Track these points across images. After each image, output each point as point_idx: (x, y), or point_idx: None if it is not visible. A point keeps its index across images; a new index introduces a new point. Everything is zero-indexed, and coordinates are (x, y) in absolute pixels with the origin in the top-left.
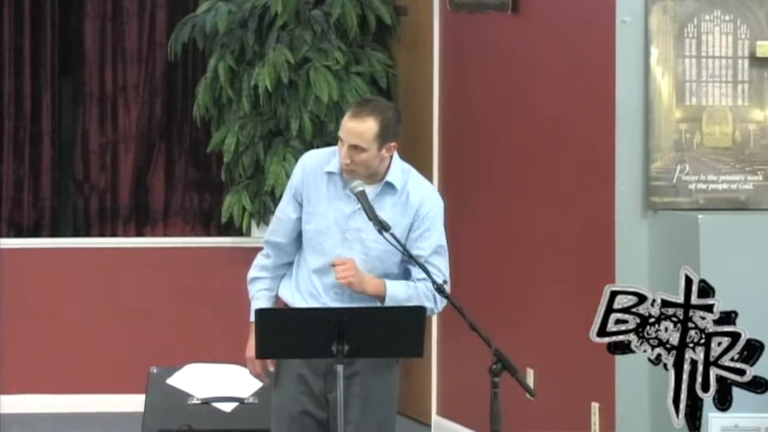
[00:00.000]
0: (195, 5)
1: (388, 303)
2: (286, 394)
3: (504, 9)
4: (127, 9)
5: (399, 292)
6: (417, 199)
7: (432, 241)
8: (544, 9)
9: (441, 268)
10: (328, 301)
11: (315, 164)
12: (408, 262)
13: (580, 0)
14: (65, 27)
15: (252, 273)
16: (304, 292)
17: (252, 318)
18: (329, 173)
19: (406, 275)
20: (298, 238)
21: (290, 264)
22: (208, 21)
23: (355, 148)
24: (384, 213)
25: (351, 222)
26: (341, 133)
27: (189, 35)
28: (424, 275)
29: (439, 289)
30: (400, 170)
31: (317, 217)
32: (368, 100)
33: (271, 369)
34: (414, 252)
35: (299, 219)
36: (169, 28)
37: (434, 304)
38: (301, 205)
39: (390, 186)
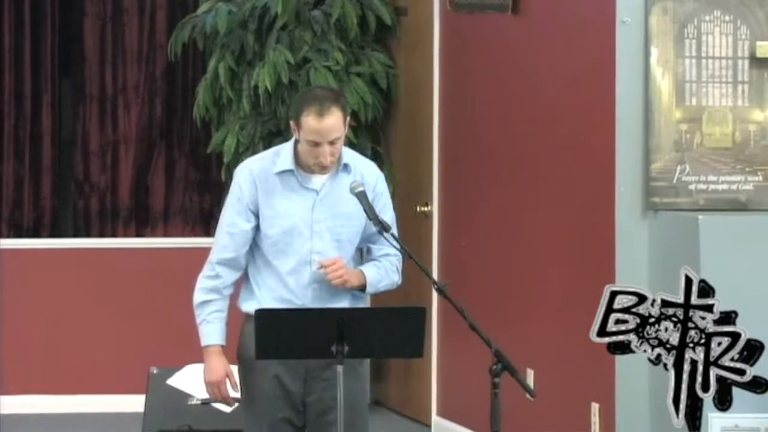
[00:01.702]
0: (195, 6)
1: (369, 289)
2: (262, 400)
3: (504, 9)
4: (127, 9)
5: (374, 275)
6: (372, 176)
7: (389, 214)
8: (544, 9)
9: (396, 237)
10: (306, 301)
11: (262, 168)
12: (368, 240)
13: (580, 0)
14: (65, 27)
15: (199, 297)
16: (276, 299)
17: (206, 342)
18: (280, 173)
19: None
20: (249, 250)
21: (236, 282)
22: (208, 21)
23: (332, 142)
24: (346, 195)
25: (315, 214)
26: (314, 137)
27: (189, 36)
28: (385, 251)
29: (440, 290)
30: (346, 151)
31: (280, 218)
32: (314, 94)
33: (236, 393)
34: (377, 227)
35: (254, 228)
36: (169, 28)
37: (398, 275)
38: (255, 214)
39: (346, 167)
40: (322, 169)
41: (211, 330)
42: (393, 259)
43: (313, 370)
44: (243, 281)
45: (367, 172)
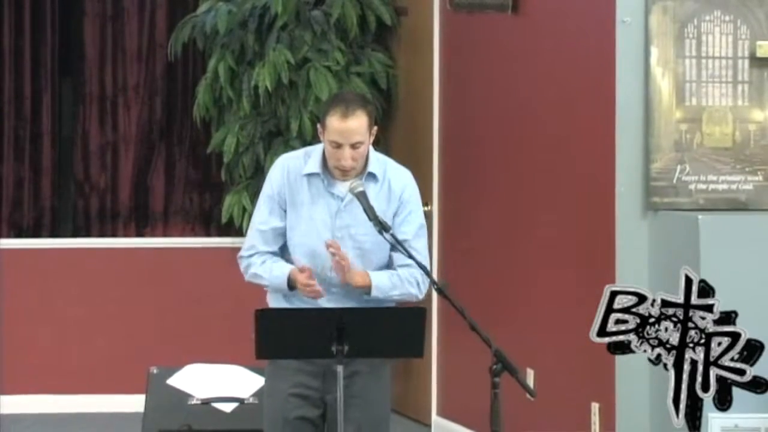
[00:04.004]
0: (195, 5)
1: (374, 293)
2: (280, 398)
3: (504, 9)
4: (127, 9)
5: (383, 282)
6: (399, 185)
7: (414, 225)
8: (544, 9)
9: (421, 250)
10: (325, 302)
11: (294, 167)
12: (391, 250)
13: (580, 0)
14: (65, 27)
15: (250, 271)
16: (294, 299)
17: (283, 280)
18: (309, 175)
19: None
20: (283, 246)
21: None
22: (208, 21)
23: (354, 145)
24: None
25: (338, 220)
26: (337, 138)
27: (189, 35)
28: (406, 261)
29: (440, 290)
30: (376, 160)
31: (303, 220)
32: (342, 96)
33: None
34: (398, 237)
35: (285, 226)
36: (169, 28)
37: (418, 290)
38: (285, 211)
39: (372, 176)
40: (343, 173)
41: (278, 268)
42: (413, 271)
43: (331, 368)
44: None
45: (395, 180)
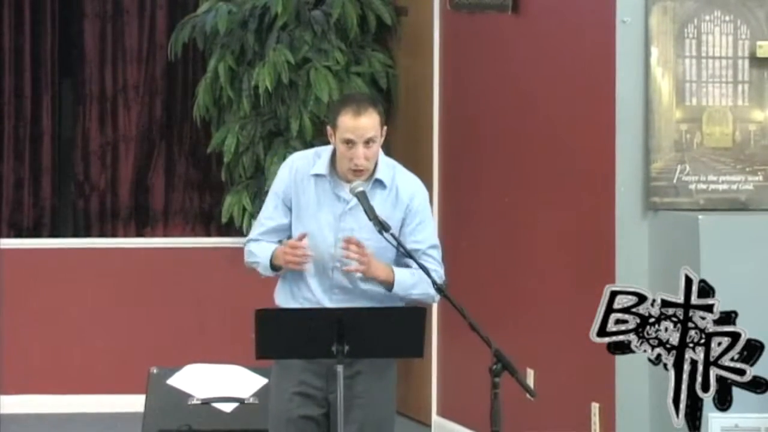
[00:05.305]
0: (195, 6)
1: (396, 289)
2: (284, 397)
3: (504, 9)
4: (127, 9)
5: (406, 278)
6: (407, 193)
7: (426, 233)
8: (544, 9)
9: (438, 259)
10: (328, 303)
11: (302, 167)
12: (405, 256)
13: (580, 0)
14: (65, 27)
15: (248, 247)
16: (300, 298)
17: (268, 259)
18: (316, 176)
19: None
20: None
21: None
22: (208, 21)
23: (367, 143)
24: (377, 209)
25: (343, 223)
26: (351, 135)
27: (189, 35)
28: (423, 267)
29: (439, 289)
30: (386, 165)
31: (308, 221)
32: (352, 96)
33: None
34: (410, 246)
35: (290, 224)
36: (170, 28)
37: (435, 293)
38: (290, 210)
39: (379, 182)
40: (356, 173)
41: (268, 247)
42: (431, 275)
43: (334, 367)
44: (280, 277)
45: (403, 187)
